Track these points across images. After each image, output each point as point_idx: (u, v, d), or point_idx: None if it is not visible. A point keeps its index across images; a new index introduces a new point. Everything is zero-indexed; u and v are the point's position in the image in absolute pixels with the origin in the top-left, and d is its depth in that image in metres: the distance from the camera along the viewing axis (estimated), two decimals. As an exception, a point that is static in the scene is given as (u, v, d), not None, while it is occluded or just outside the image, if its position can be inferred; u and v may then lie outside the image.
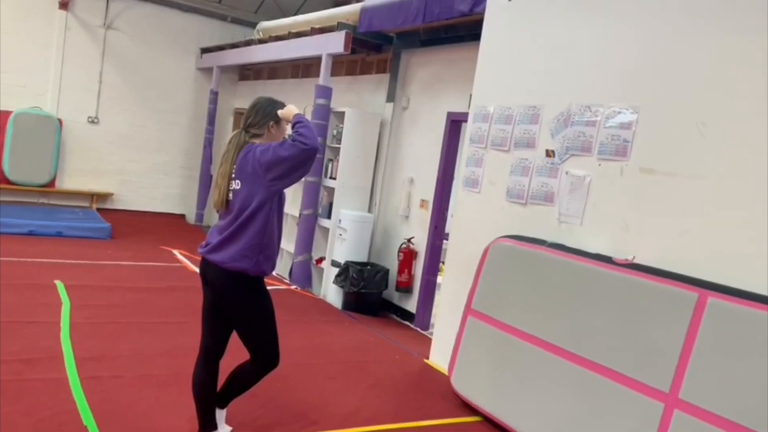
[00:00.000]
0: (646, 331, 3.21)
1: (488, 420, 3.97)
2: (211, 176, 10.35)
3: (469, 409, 4.11)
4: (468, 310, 4.31)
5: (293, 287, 6.96)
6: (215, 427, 3.14)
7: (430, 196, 6.32)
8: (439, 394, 4.36)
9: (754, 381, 2.74)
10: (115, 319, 4.91)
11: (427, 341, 5.61)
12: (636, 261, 3.46)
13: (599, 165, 3.84)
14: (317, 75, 8.56)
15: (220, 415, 3.22)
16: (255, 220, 2.92)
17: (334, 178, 6.92)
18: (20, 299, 5.06)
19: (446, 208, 6.27)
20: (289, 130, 3.06)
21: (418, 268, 6.41)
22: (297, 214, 7.44)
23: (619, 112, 3.73)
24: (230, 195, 2.98)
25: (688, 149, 3.37)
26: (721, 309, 2.93)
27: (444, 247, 6.42)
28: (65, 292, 5.38)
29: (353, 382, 4.39)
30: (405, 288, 6.48)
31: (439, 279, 6.44)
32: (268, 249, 2.99)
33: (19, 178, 9.25)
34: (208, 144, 10.28)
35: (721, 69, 3.26)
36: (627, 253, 3.56)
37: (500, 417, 3.87)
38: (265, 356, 3.08)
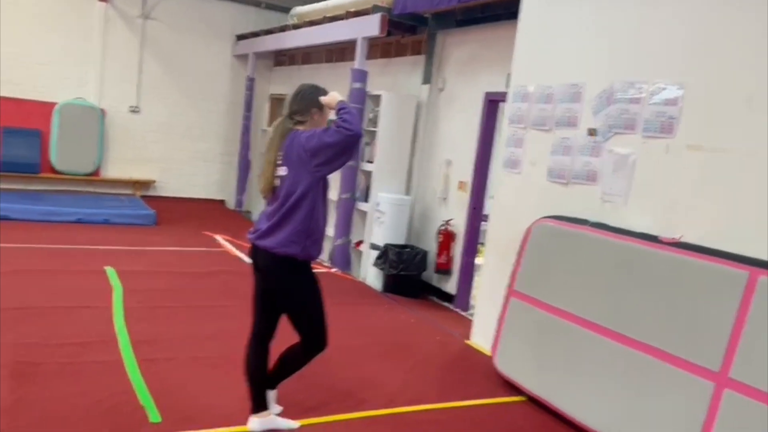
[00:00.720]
0: (695, 311, 3.17)
1: (532, 400, 3.99)
2: (249, 162, 10.50)
3: (513, 389, 4.13)
4: (511, 291, 4.31)
5: (333, 270, 7.04)
6: (267, 407, 3.23)
7: (468, 178, 6.30)
8: (481, 374, 4.39)
9: (808, 360, 2.70)
10: (164, 303, 5.05)
11: (468, 322, 5.64)
12: (683, 240, 3.41)
13: (644, 143, 3.78)
14: (352, 59, 8.59)
15: (271, 395, 3.31)
16: (301, 205, 2.97)
17: (371, 162, 6.95)
18: (73, 285, 5.25)
19: (485, 190, 6.25)
20: (332, 116, 3.10)
21: (457, 249, 6.41)
22: (335, 198, 7.50)
23: (664, 88, 3.66)
24: (276, 181, 3.04)
25: (737, 125, 3.30)
26: (772, 287, 2.88)
27: (483, 228, 6.42)
28: (116, 277, 5.55)
29: (396, 362, 4.45)
30: (444, 270, 6.49)
31: (478, 260, 6.46)
32: (315, 234, 3.05)
33: (65, 167, 9.51)
34: (246, 131, 10.39)
35: (772, 41, 3.17)
36: (673, 231, 3.51)
37: (545, 397, 3.88)
38: (314, 339, 3.15)
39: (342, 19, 7.52)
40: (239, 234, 8.24)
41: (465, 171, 6.35)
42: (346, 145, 2.93)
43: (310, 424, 3.35)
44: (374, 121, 6.96)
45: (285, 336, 3.23)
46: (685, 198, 3.53)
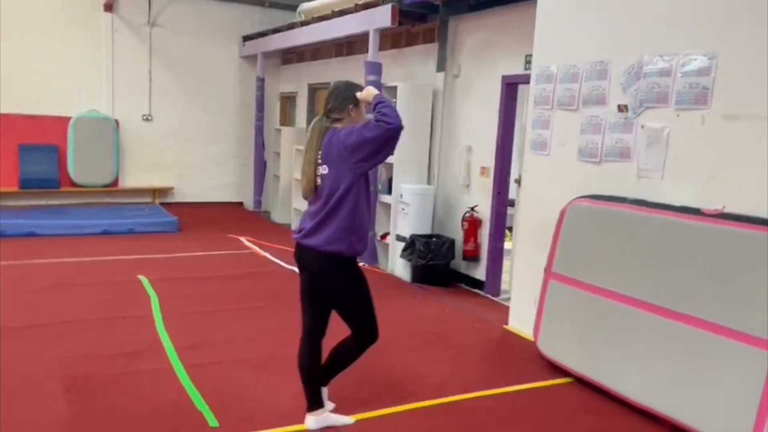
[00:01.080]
0: (744, 281, 3.16)
1: (579, 380, 3.99)
2: (265, 163, 10.52)
3: (559, 371, 4.13)
4: (549, 273, 4.31)
5: (361, 264, 7.04)
6: (322, 404, 3.25)
7: (490, 163, 6.28)
8: (525, 358, 4.40)
9: None
10: (201, 308, 5.08)
11: (501, 307, 5.65)
12: (726, 210, 3.39)
13: (678, 115, 3.75)
14: (361, 51, 8.60)
15: (323, 392, 3.33)
16: (345, 202, 2.98)
17: (392, 154, 6.93)
18: (110, 296, 5.29)
19: (508, 174, 6.23)
20: (365, 112, 3.10)
21: (484, 235, 6.40)
22: (357, 192, 7.52)
23: (695, 59, 3.63)
24: (318, 180, 3.04)
25: (775, 91, 3.26)
26: (826, 252, 2.86)
27: (509, 213, 6.41)
28: (150, 286, 5.58)
29: (438, 352, 4.46)
30: (472, 257, 6.49)
31: (507, 245, 6.46)
32: (360, 230, 3.06)
33: (84, 180, 9.57)
34: (259, 131, 10.40)
35: (807, 4, 3.14)
36: (715, 203, 3.49)
37: (593, 377, 3.88)
38: (365, 331, 3.17)
39: (351, 12, 7.49)
40: (263, 235, 8.29)
41: (486, 156, 6.33)
42: (387, 139, 2.93)
43: (365, 418, 3.37)
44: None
45: (335, 332, 3.24)
46: (725, 168, 3.51)
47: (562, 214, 4.27)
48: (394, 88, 6.84)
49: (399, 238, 6.82)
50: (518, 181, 6.22)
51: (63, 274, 5.87)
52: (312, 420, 3.22)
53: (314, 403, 3.22)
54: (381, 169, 7.13)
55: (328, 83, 9.49)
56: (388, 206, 7.09)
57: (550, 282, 4.29)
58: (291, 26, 9.08)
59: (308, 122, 10.33)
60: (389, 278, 6.69)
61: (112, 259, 6.56)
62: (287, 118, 11.40)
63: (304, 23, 8.76)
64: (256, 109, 10.40)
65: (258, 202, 10.64)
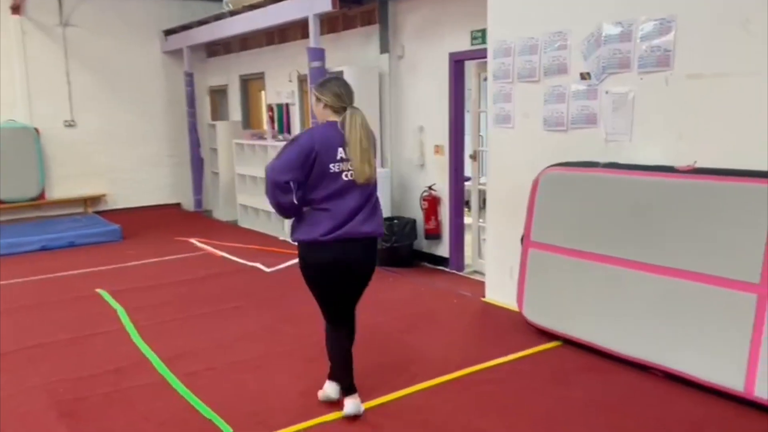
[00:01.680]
0: (724, 230, 3.34)
1: (568, 342, 4.12)
2: (202, 160, 10.20)
3: (546, 335, 4.26)
4: (527, 242, 4.41)
5: (323, 254, 6.98)
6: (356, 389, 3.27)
7: (444, 141, 6.34)
8: (511, 327, 4.50)
9: None
10: (174, 315, 4.90)
11: (470, 281, 5.77)
12: (698, 165, 3.57)
13: (641, 79, 3.90)
14: (295, 39, 8.46)
15: (335, 387, 3.33)
16: (376, 189, 3.20)
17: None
18: (73, 313, 5.02)
19: (463, 150, 6.31)
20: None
21: (444, 213, 6.48)
22: (309, 182, 7.43)
23: (655, 23, 3.77)
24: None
25: (735, 48, 3.44)
26: (801, 196, 3.06)
27: (467, 188, 6.50)
28: (111, 298, 5.32)
29: (427, 332, 4.49)
30: (434, 235, 6.55)
31: (467, 220, 6.56)
32: None
33: (8, 195, 8.97)
34: (193, 128, 10.06)
35: (760, -36, 3.31)
36: (684, 160, 3.66)
37: (582, 337, 4.02)
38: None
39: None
40: (212, 235, 8.07)
41: (439, 134, 6.38)
42: None
43: (378, 404, 3.35)
44: (339, 98, 6.86)
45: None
46: (692, 126, 3.68)
47: (535, 183, 4.36)
48: (340, 72, 6.75)
49: (359, 223, 6.78)
50: (473, 157, 6.33)
51: (13, 296, 5.51)
52: (351, 404, 3.21)
53: (352, 385, 3.25)
54: (333, 156, 7.04)
55: (262, 73, 9.38)
56: (344, 193, 7.02)
57: (530, 251, 4.39)
58: (219, 17, 8.77)
59: (243, 115, 10.14)
60: (354, 265, 6.65)
61: (62, 276, 6.20)
62: (218, 113, 11.07)
63: (233, 13, 8.49)
64: (187, 105, 10.05)
65: (198, 202, 10.32)
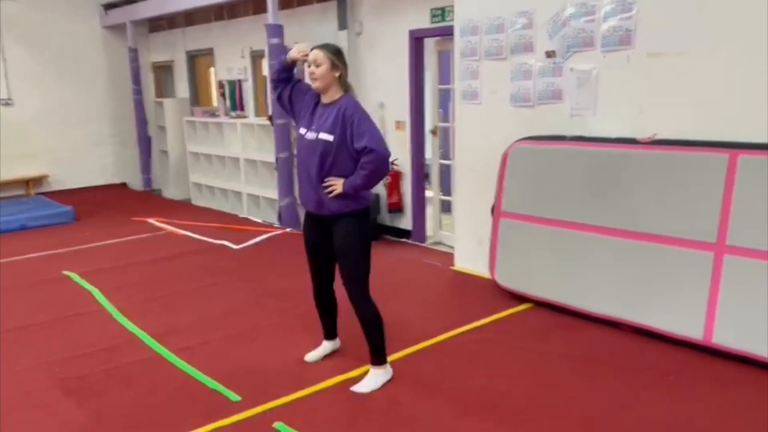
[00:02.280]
0: (684, 196, 3.69)
1: (539, 303, 4.42)
2: (150, 138, 10.01)
3: (518, 298, 4.55)
4: (498, 213, 4.67)
5: (287, 230, 7.08)
6: None
7: (405, 117, 6.51)
8: (483, 292, 4.77)
9: (792, 216, 3.29)
10: (153, 294, 4.92)
11: (435, 252, 6.05)
12: (658, 137, 3.90)
13: (604, 57, 4.18)
14: (246, 14, 8.38)
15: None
16: None
17: (305, 116, 6.94)
18: (46, 295, 4.96)
19: (423, 126, 6.51)
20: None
21: (406, 187, 6.68)
22: (270, 160, 7.48)
23: (617, 4, 4.05)
24: None
25: (692, 29, 3.76)
26: (752, 163, 3.42)
27: (427, 162, 6.71)
28: (82, 280, 5.28)
29: (405, 301, 4.69)
30: (397, 209, 6.75)
31: (428, 194, 6.78)
32: None
33: (-55, 179, 8.57)
34: (139, 105, 9.83)
35: (714, -49, 3.63)
36: (646, 132, 3.99)
37: (552, 298, 4.33)
38: None
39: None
40: (168, 214, 8.00)
41: (400, 111, 6.54)
42: None
43: (345, 379, 3.44)
44: (299, 75, 6.90)
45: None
46: (652, 101, 4.00)
47: (504, 157, 4.61)
48: (300, 49, 6.78)
49: (323, 199, 6.91)
50: (433, 132, 6.54)
51: (-24, 281, 5.37)
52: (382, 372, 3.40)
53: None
54: (294, 133, 7.10)
55: (211, 49, 9.25)
56: (306, 169, 7.11)
57: (501, 220, 4.65)
58: (166, -9, 8.57)
59: (191, 93, 9.97)
60: (319, 239, 6.78)
61: (22, 259, 6.06)
62: (163, 90, 10.83)
63: (182, -13, 8.32)
64: (133, 83, 9.81)
65: (147, 181, 10.14)
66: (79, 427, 2.99)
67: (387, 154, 3.16)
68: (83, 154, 10.22)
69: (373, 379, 3.36)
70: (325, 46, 3.25)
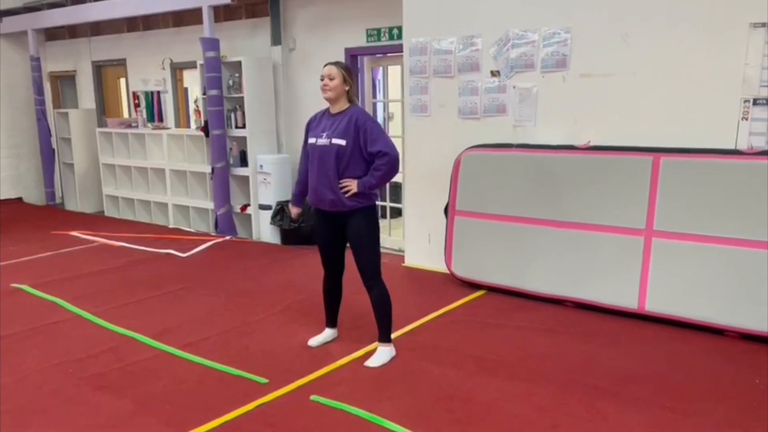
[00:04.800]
0: (617, 192, 4.48)
1: (492, 289, 5.06)
2: (54, 151, 9.62)
3: (472, 286, 5.16)
4: (452, 212, 5.26)
5: (228, 237, 7.23)
6: None
7: (340, 128, 6.95)
8: (439, 284, 5.33)
9: (705, 204, 4.16)
10: (123, 300, 4.96)
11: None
12: (592, 144, 4.69)
13: (543, 77, 4.94)
14: (166, 26, 8.45)
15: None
16: None
17: (242, 127, 7.18)
18: (7, 308, 4.84)
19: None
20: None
21: (342, 193, 7.11)
22: (203, 170, 7.60)
23: (555, 33, 4.82)
24: None
25: (617, 55, 4.59)
26: (672, 164, 4.28)
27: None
28: (37, 291, 5.18)
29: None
30: (334, 214, 7.16)
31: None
32: None
33: None
34: (42, 115, 9.44)
35: (634, -6, 4.48)
36: (580, 140, 4.77)
37: (504, 283, 4.98)
38: None
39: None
40: (90, 227, 7.83)
41: (336, 122, 6.98)
42: None
43: (355, 358, 3.84)
44: (235, 88, 7.16)
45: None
46: (584, 113, 4.79)
47: (457, 162, 5.23)
48: (238, 63, 7.05)
49: (262, 206, 7.17)
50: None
51: None
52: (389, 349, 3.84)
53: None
54: (232, 144, 7.31)
55: (122, 60, 9.15)
56: (243, 178, 7.34)
57: (456, 218, 5.26)
58: (81, 0, 8.39)
59: (97, 103, 9.73)
60: (263, 245, 7.02)
61: (-47, 275, 5.77)
62: (61, 100, 10.44)
63: (98, -3, 8.21)
64: (35, 93, 9.42)
65: (51, 194, 9.72)
66: (130, 415, 3.15)
67: (397, 156, 3.64)
68: (-27, 167, 9.62)
69: (383, 354, 3.80)
70: (338, 63, 3.71)
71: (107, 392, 3.40)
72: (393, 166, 3.60)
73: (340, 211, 3.67)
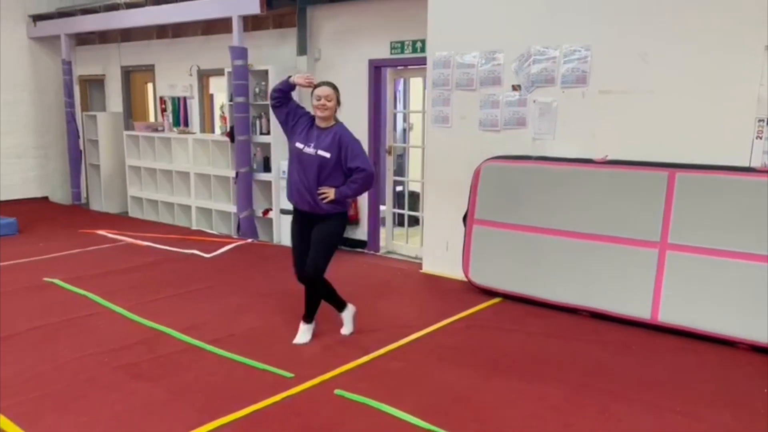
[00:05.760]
0: (633, 205, 4.62)
1: (508, 297, 5.19)
2: (81, 152, 9.88)
3: (489, 294, 5.29)
4: (471, 221, 5.42)
5: (249, 240, 7.43)
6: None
7: (362, 137, 7.12)
8: (456, 291, 5.48)
9: (718, 218, 4.28)
10: (151, 297, 5.14)
11: (392, 260, 6.69)
12: (610, 158, 4.83)
13: (563, 92, 5.09)
14: (194, 34, 8.69)
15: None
16: None
17: (266, 134, 7.39)
18: (41, 300, 5.05)
19: (381, 146, 7.18)
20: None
21: (363, 202, 7.29)
22: (226, 174, 7.81)
23: (575, 50, 4.98)
24: None
25: (636, 73, 4.74)
26: (687, 179, 4.41)
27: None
28: (70, 286, 5.39)
29: (383, 301, 5.24)
30: (354, 221, 7.34)
31: (382, 208, 7.44)
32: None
33: None
34: (72, 118, 9.70)
35: (655, 10, 4.63)
36: (598, 154, 4.91)
37: (521, 291, 5.12)
38: None
39: (203, -4, 7.60)
40: (116, 227, 8.05)
41: (358, 131, 7.13)
42: None
43: (376, 357, 4.00)
44: (261, 95, 7.37)
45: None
46: (603, 128, 4.94)
47: (477, 173, 5.39)
48: (265, 71, 7.27)
49: (284, 211, 7.36)
50: (388, 151, 7.23)
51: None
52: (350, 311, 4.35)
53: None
54: (256, 149, 7.52)
55: (151, 65, 9.41)
56: (266, 183, 7.54)
57: (474, 227, 5.41)
58: (113, 7, 8.67)
59: (125, 107, 10.00)
60: (284, 248, 7.14)
61: (-11, 268, 6.01)
62: (89, 103, 10.73)
63: (131, 5, 8.48)
64: (66, 96, 9.68)
65: (77, 194, 9.98)
66: (163, 403, 3.32)
67: (374, 173, 4.09)
68: (3, 166, 9.91)
69: (350, 318, 4.39)
70: (333, 85, 4.12)
71: (142, 380, 3.57)
72: (368, 180, 4.04)
73: (315, 213, 4.05)
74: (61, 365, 3.78)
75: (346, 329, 4.38)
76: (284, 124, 4.19)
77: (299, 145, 4.07)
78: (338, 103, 4.12)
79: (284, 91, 4.13)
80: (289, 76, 4.13)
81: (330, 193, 3.99)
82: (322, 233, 4.09)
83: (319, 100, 4.02)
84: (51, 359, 3.87)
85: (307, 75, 4.16)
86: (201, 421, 3.11)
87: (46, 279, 5.59)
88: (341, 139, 4.01)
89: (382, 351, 4.07)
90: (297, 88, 4.13)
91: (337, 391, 3.47)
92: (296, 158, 4.09)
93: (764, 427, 3.15)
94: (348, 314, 4.40)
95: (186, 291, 5.34)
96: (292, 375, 3.69)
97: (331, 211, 4.06)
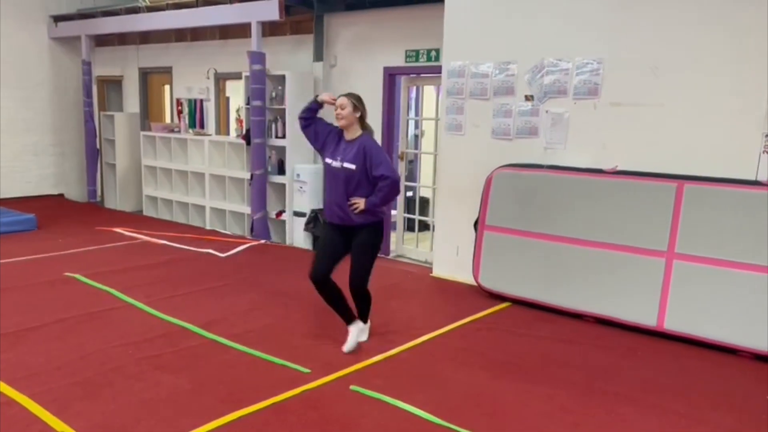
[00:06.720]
0: (642, 215, 4.74)
1: (516, 302, 5.32)
2: (98, 151, 10.07)
3: (498, 298, 5.42)
4: (482, 226, 5.55)
5: (262, 241, 7.58)
6: None
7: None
8: (466, 294, 5.61)
9: (724, 230, 4.41)
10: (170, 293, 5.29)
11: (402, 263, 6.84)
12: (620, 168, 4.96)
13: (575, 103, 5.23)
14: (213, 38, 8.88)
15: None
16: None
17: (282, 137, 7.55)
18: (62, 294, 5.21)
19: (394, 151, 7.33)
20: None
21: (373, 205, 7.42)
22: (241, 176, 7.97)
23: (587, 63, 5.11)
24: None
25: (646, 86, 4.88)
26: (695, 191, 4.54)
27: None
28: (91, 281, 5.54)
29: (394, 302, 5.35)
30: (365, 224, 7.48)
31: (393, 212, 7.58)
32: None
33: None
34: (90, 117, 9.88)
35: (666, 25, 4.77)
36: (608, 164, 5.04)
37: (530, 297, 5.25)
38: None
39: (223, 2, 7.77)
40: (131, 225, 8.21)
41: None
42: None
43: (389, 356, 4.14)
44: (277, 100, 7.54)
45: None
46: (613, 139, 5.07)
47: (488, 180, 5.52)
48: (282, 76, 7.43)
49: (297, 213, 7.51)
50: (401, 157, 7.38)
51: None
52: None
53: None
54: (271, 152, 7.68)
55: (168, 68, 9.59)
56: (280, 186, 7.69)
57: (485, 233, 5.54)
58: (134, 10, 8.86)
59: (141, 108, 10.19)
60: (297, 250, 7.33)
61: (10, 262, 6.15)
62: (106, 104, 10.92)
63: (152, 8, 8.66)
64: (84, 95, 9.87)
65: (92, 192, 10.15)
66: (188, 393, 3.46)
67: (398, 179, 4.14)
68: (21, 163, 10.11)
69: (365, 329, 4.42)
70: (349, 94, 4.23)
71: (166, 371, 3.72)
72: (393, 187, 4.10)
73: (348, 225, 4.14)
74: (87, 355, 3.93)
75: (362, 336, 4.32)
76: (314, 142, 4.29)
77: (328, 160, 4.17)
78: (357, 109, 4.14)
79: (313, 110, 4.27)
80: (316, 96, 4.30)
81: (360, 203, 4.05)
82: (360, 246, 4.16)
83: (335, 110, 4.14)
84: (77, 349, 4.02)
85: (330, 93, 4.39)
86: (224, 411, 3.24)
87: (67, 273, 5.74)
88: (365, 149, 4.06)
89: (395, 351, 4.20)
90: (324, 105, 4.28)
91: (352, 387, 3.61)
92: (328, 174, 4.21)
93: (765, 431, 3.27)
94: (366, 328, 4.40)
95: (203, 288, 5.49)
96: (308, 371, 3.82)
97: (364, 222, 4.12)
